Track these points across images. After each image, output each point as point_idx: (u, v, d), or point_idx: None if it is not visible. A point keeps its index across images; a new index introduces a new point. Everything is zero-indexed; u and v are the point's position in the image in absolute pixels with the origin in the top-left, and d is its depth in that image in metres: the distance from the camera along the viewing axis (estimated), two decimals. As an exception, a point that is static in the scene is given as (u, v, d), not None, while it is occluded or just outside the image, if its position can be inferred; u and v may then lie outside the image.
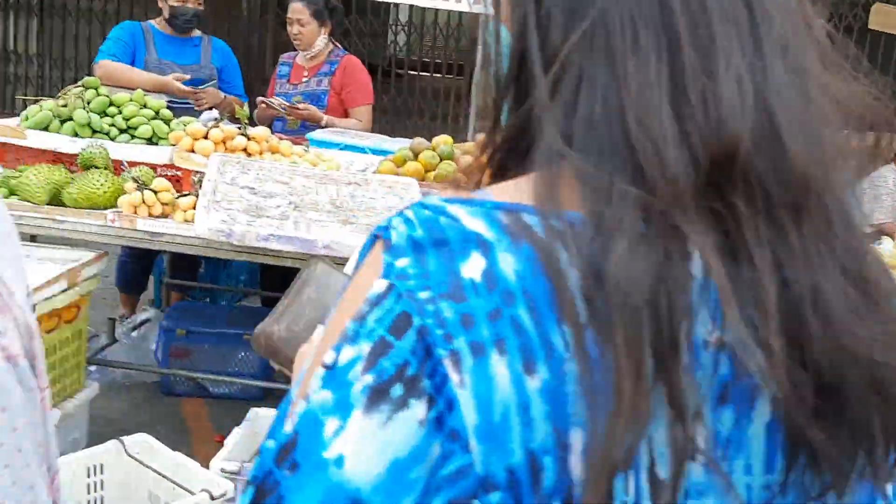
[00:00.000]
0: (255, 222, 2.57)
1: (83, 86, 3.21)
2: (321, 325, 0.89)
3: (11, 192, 2.78)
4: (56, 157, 3.13)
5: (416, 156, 3.16)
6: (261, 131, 3.04)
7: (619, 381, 0.53)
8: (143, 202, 2.67)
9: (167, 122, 3.21)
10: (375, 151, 3.49)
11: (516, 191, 0.60)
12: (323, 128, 3.92)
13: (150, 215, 2.69)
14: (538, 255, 0.55)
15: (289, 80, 4.19)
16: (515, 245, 0.56)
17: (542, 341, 0.55)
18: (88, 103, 3.14)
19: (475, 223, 0.57)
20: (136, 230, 2.68)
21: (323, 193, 2.82)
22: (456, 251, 0.56)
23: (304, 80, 4.14)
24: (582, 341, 0.54)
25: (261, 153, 2.98)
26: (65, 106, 3.12)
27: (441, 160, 3.13)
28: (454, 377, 0.54)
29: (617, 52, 0.58)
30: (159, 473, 2.25)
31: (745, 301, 0.55)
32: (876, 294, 0.59)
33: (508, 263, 0.56)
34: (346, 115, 4.09)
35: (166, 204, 2.71)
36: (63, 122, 3.12)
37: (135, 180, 2.68)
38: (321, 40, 4.10)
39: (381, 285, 0.57)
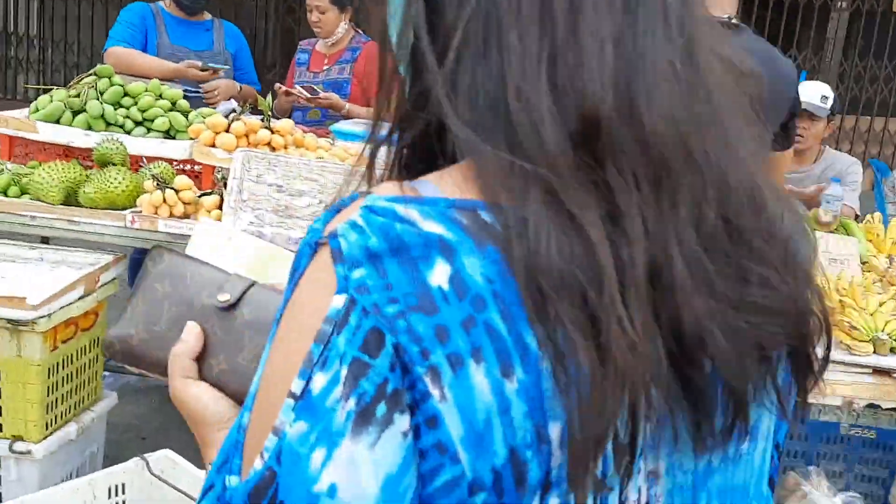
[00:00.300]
0: (285, 223, 2.41)
1: (96, 74, 3.03)
2: (192, 321, 0.85)
3: (23, 191, 2.61)
4: (67, 151, 2.97)
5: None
6: (285, 124, 2.86)
7: (584, 360, 0.54)
8: (165, 202, 2.50)
9: (185, 113, 3.03)
10: (402, 144, 3.31)
11: (464, 182, 0.58)
12: (345, 118, 3.75)
13: (172, 215, 2.52)
14: (503, 255, 0.55)
15: (308, 67, 4.01)
16: (479, 247, 0.55)
17: (517, 343, 0.54)
18: (102, 94, 2.96)
19: (433, 225, 0.55)
20: (157, 232, 2.50)
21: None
22: (418, 258, 0.54)
23: (325, 67, 3.96)
24: (552, 335, 0.54)
25: (285, 147, 2.81)
26: (77, 96, 2.95)
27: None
28: (435, 392, 0.53)
29: (503, 24, 0.57)
30: (186, 494, 2.11)
31: (621, 273, 0.55)
32: (759, 249, 0.60)
33: (475, 267, 0.54)
34: (369, 104, 3.92)
35: (188, 203, 2.54)
36: (75, 113, 2.95)
37: (155, 178, 2.51)
38: (342, 27, 3.92)
39: (339, 301, 0.54)
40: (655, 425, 0.58)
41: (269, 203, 2.46)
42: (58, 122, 2.93)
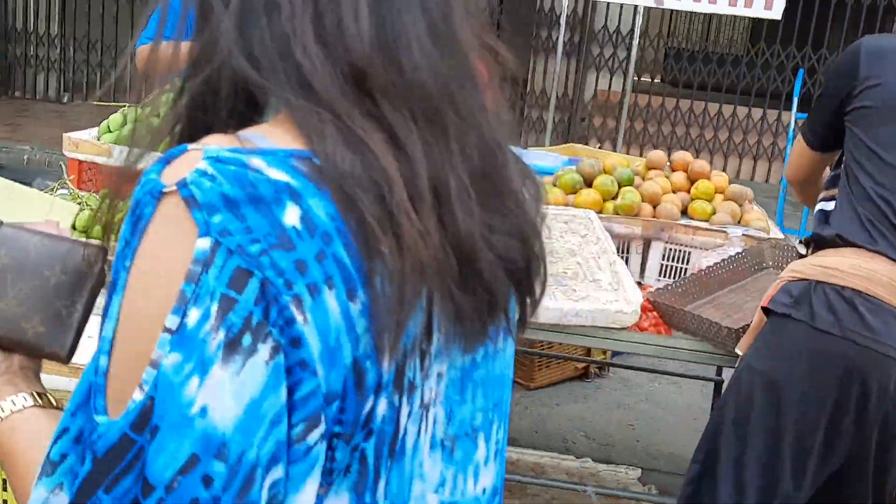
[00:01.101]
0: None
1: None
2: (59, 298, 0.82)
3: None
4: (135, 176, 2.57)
5: (586, 180, 2.60)
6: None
7: (385, 248, 0.63)
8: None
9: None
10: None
11: (283, 131, 0.66)
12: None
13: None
14: (335, 196, 0.63)
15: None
16: (320, 190, 0.62)
17: (358, 270, 0.63)
18: (185, 113, 2.57)
19: (278, 173, 0.62)
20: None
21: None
22: (271, 202, 0.61)
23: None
24: (360, 231, 0.63)
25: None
26: (157, 116, 2.55)
27: (620, 186, 2.57)
28: (299, 317, 0.61)
29: None
30: None
31: (407, 183, 0.64)
32: (503, 191, 0.72)
33: (319, 208, 0.62)
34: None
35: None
36: (155, 135, 2.55)
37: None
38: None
39: (204, 243, 0.59)
40: (445, 325, 0.68)
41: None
42: (134, 145, 2.54)
